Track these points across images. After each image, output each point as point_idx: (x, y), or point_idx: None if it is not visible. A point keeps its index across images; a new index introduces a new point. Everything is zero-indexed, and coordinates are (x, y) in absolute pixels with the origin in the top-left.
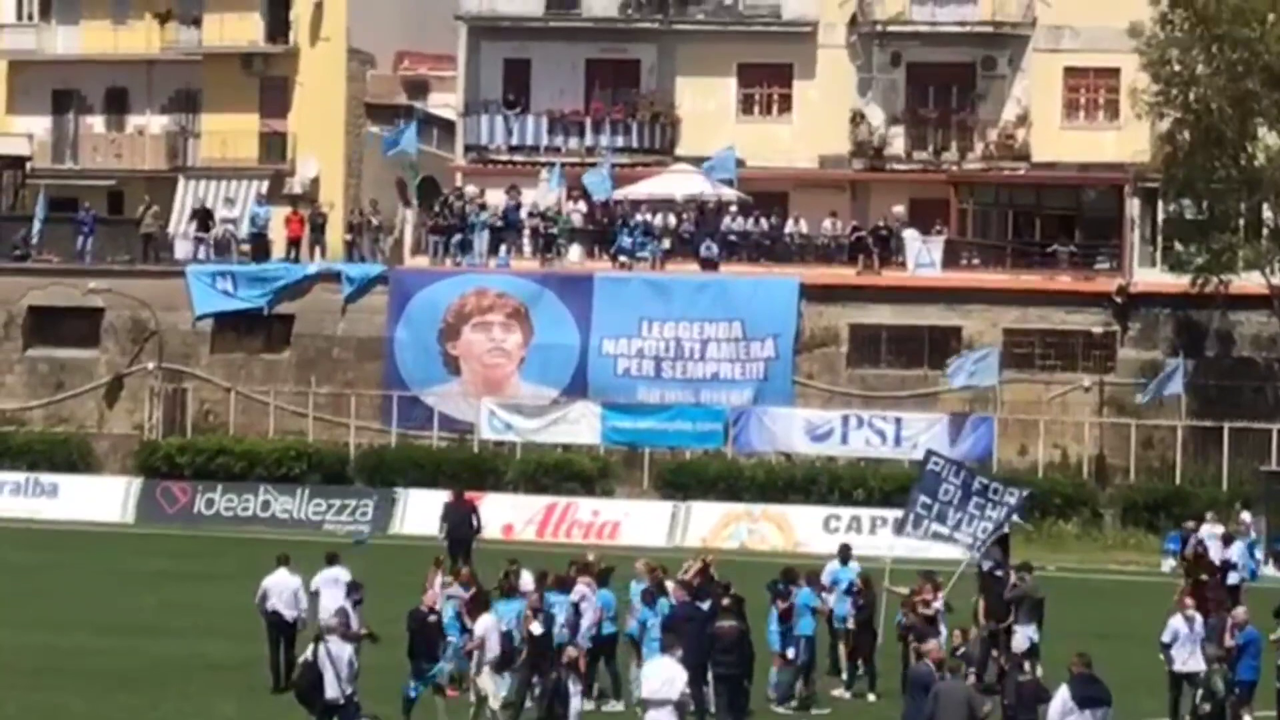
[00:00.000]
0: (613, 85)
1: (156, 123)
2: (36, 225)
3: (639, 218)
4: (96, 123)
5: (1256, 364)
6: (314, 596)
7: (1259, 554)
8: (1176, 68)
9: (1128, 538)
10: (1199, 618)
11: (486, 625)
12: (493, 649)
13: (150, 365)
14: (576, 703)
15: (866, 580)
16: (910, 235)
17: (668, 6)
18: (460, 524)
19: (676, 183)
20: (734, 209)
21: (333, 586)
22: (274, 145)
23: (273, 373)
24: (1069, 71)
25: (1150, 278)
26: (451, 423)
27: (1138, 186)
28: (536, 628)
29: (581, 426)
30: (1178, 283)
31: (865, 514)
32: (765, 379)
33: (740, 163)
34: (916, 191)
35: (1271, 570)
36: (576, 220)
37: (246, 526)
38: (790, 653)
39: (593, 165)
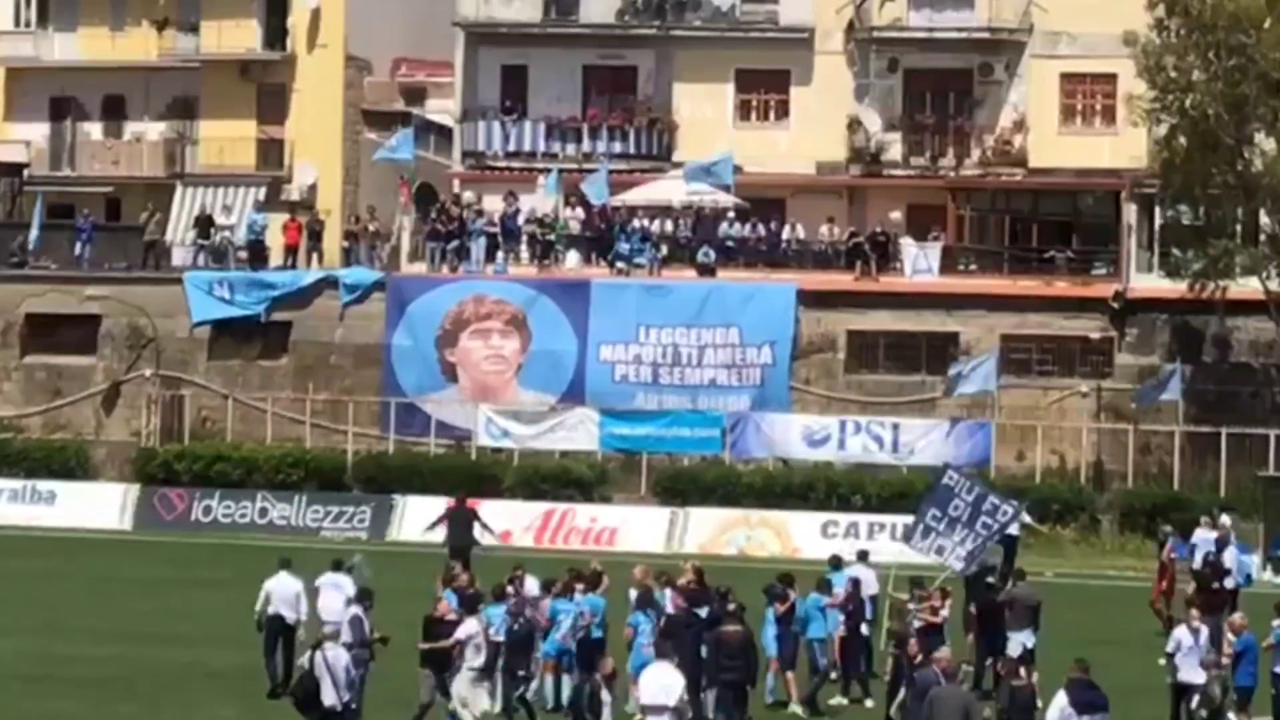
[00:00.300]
0: (610, 91)
1: (154, 130)
2: (34, 232)
3: (636, 224)
4: (94, 130)
5: (1254, 369)
6: (313, 594)
7: (1243, 557)
8: (1173, 74)
9: (1125, 543)
10: (1205, 629)
11: (469, 630)
12: (475, 655)
13: (148, 372)
14: (608, 715)
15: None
16: (908, 241)
17: (665, 13)
18: (462, 530)
19: (674, 189)
20: (731, 215)
21: (333, 590)
22: (271, 152)
23: (270, 380)
24: (1066, 77)
25: (1147, 283)
26: (449, 430)
27: (1135, 192)
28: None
29: (579, 433)
30: (1175, 288)
31: (863, 520)
32: (763, 385)
33: (738, 169)
34: (914, 197)
35: (1270, 575)
36: (574, 226)
37: (244, 533)
38: (823, 661)
39: (590, 171)
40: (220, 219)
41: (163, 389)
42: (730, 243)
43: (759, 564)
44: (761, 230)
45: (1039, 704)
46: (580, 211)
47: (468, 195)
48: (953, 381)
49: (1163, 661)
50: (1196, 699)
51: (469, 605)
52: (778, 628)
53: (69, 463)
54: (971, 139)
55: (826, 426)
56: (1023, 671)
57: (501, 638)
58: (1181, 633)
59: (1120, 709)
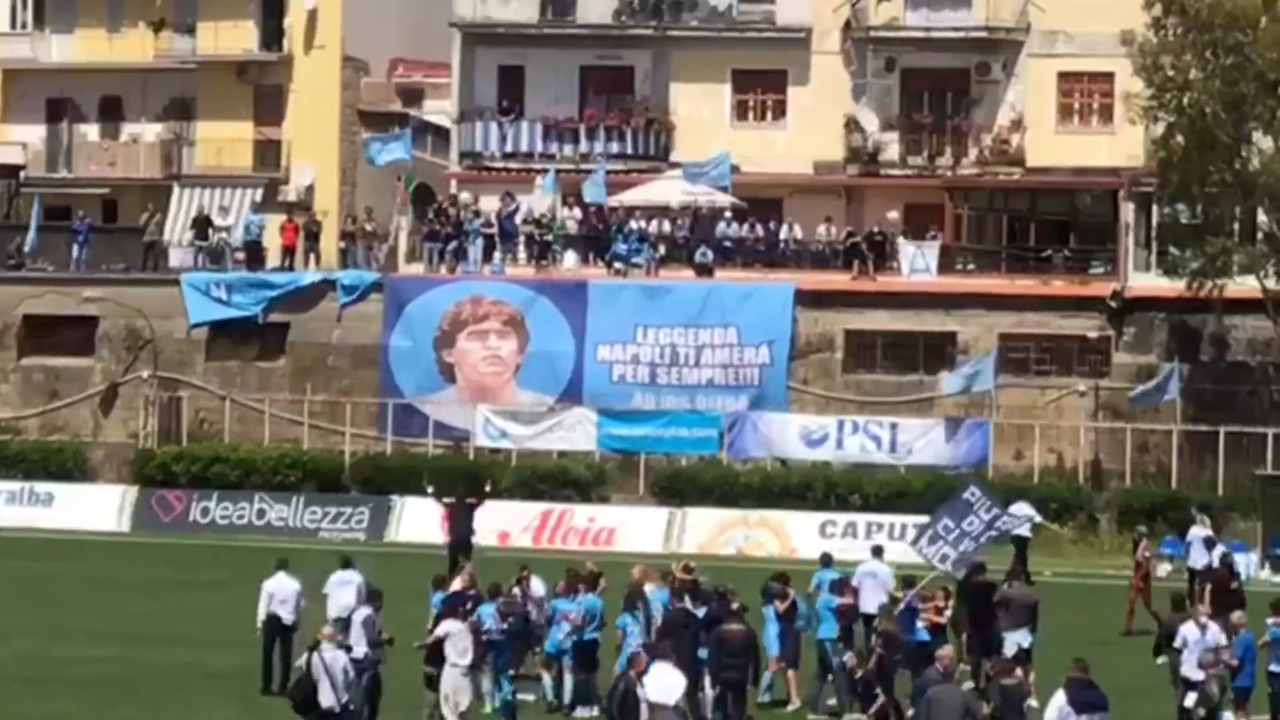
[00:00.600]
0: (607, 92)
1: (151, 131)
2: (31, 234)
3: (634, 224)
4: (91, 131)
5: (1251, 368)
6: (324, 598)
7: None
8: (1170, 72)
9: (1124, 542)
10: (1212, 626)
11: (448, 628)
12: (464, 652)
13: (145, 374)
14: (646, 713)
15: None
16: (905, 241)
17: (662, 13)
18: (464, 526)
19: (671, 189)
20: (729, 215)
21: (341, 589)
22: (268, 153)
23: (268, 381)
24: (1063, 76)
25: (1145, 282)
26: (447, 430)
27: (1132, 191)
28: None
29: (577, 433)
30: (1173, 287)
31: (861, 519)
32: (761, 385)
33: (735, 169)
34: (911, 197)
35: (1268, 574)
36: (571, 227)
37: (242, 535)
38: (850, 657)
39: (587, 172)
40: (217, 220)
41: (160, 390)
42: (728, 243)
43: (757, 564)
44: (759, 230)
45: (1035, 703)
46: (578, 212)
47: (465, 196)
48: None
49: (1160, 660)
50: (1194, 697)
51: (454, 606)
52: (779, 626)
53: (67, 464)
54: (969, 138)
55: (824, 426)
56: (1017, 671)
57: (494, 634)
58: (1188, 629)
59: (1120, 708)
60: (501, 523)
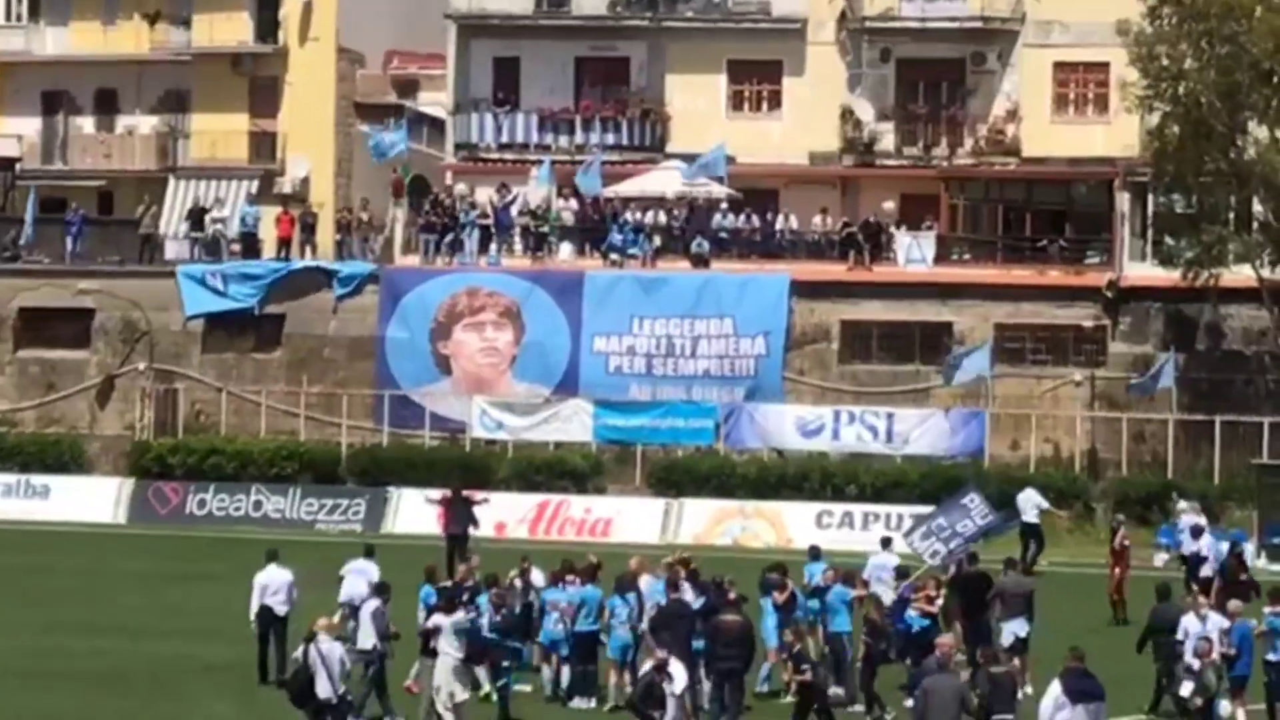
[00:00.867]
0: (603, 83)
1: (146, 123)
2: (27, 227)
3: (629, 215)
4: (86, 123)
5: (1247, 357)
6: (339, 582)
7: (1219, 545)
8: (1165, 62)
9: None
10: (1212, 616)
11: (437, 621)
12: (454, 646)
13: (141, 366)
14: (673, 707)
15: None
16: (901, 231)
17: (657, 4)
18: (461, 519)
19: (667, 180)
20: (724, 206)
21: (356, 576)
22: (264, 145)
23: (264, 373)
24: (1058, 66)
25: (1140, 272)
26: (443, 422)
27: (1128, 181)
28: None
29: (573, 424)
30: (1168, 276)
31: (857, 510)
32: (757, 376)
33: (730, 160)
34: (907, 187)
35: (1264, 563)
36: (567, 218)
37: (238, 527)
38: (788, 632)
39: (583, 163)
40: (213, 212)
41: (156, 382)
42: (723, 234)
43: (753, 554)
44: (755, 221)
45: (1030, 691)
46: (573, 203)
47: (460, 187)
48: (947, 373)
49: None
50: (1191, 686)
51: (452, 598)
52: (777, 617)
53: (63, 457)
54: (964, 128)
55: (820, 417)
56: (1012, 660)
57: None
58: (1189, 620)
59: (1115, 698)
60: (498, 514)
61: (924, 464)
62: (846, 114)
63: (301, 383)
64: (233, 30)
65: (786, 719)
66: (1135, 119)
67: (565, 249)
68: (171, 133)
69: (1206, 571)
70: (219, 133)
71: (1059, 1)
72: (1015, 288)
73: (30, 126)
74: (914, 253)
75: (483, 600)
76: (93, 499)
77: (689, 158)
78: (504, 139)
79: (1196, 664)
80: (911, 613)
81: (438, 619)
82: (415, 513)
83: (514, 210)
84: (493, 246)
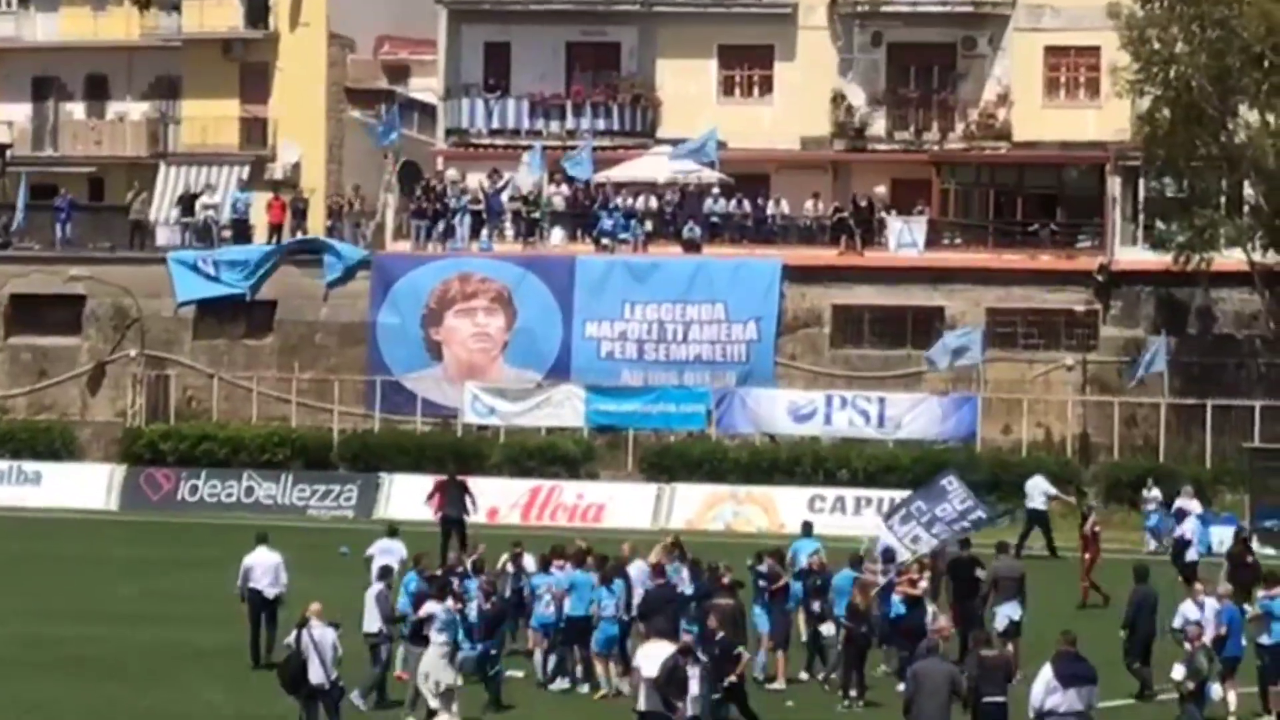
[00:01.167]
0: (593, 68)
1: (137, 109)
2: (18, 213)
3: (621, 200)
4: (77, 110)
5: (1238, 341)
6: (367, 563)
7: (1203, 529)
8: (1156, 46)
9: (1111, 515)
10: (1209, 602)
11: (430, 609)
12: (441, 633)
13: (132, 352)
14: (695, 687)
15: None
16: (892, 216)
17: None
18: (455, 504)
19: (658, 165)
20: (716, 191)
21: (385, 555)
22: (255, 131)
23: (255, 359)
24: (1049, 50)
25: (1132, 256)
26: (435, 408)
27: (1119, 165)
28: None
29: (565, 410)
30: (1160, 260)
31: (849, 494)
32: (748, 360)
33: (722, 144)
34: (898, 172)
35: (1256, 547)
36: (558, 203)
37: (230, 513)
38: (869, 628)
39: (574, 148)
40: (204, 198)
41: (148, 369)
42: (715, 219)
43: (746, 539)
44: (746, 206)
45: (1019, 675)
46: (565, 188)
47: (451, 173)
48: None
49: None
50: (1182, 670)
51: (444, 584)
52: (769, 607)
53: (54, 443)
54: (955, 113)
55: (812, 401)
56: (1003, 644)
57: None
58: (1188, 608)
59: (1108, 681)
60: (490, 499)
61: (916, 448)
62: (838, 98)
63: (293, 369)
64: (223, 16)
65: (779, 705)
66: (1126, 103)
67: (557, 234)
68: (162, 119)
69: (1191, 556)
70: (210, 119)
71: None
72: (1006, 272)
73: (20, 113)
74: (905, 237)
75: (472, 586)
76: (84, 486)
77: (680, 143)
78: (495, 124)
79: (1188, 647)
80: (895, 597)
81: (431, 606)
82: (407, 498)
83: (505, 196)
84: (484, 232)
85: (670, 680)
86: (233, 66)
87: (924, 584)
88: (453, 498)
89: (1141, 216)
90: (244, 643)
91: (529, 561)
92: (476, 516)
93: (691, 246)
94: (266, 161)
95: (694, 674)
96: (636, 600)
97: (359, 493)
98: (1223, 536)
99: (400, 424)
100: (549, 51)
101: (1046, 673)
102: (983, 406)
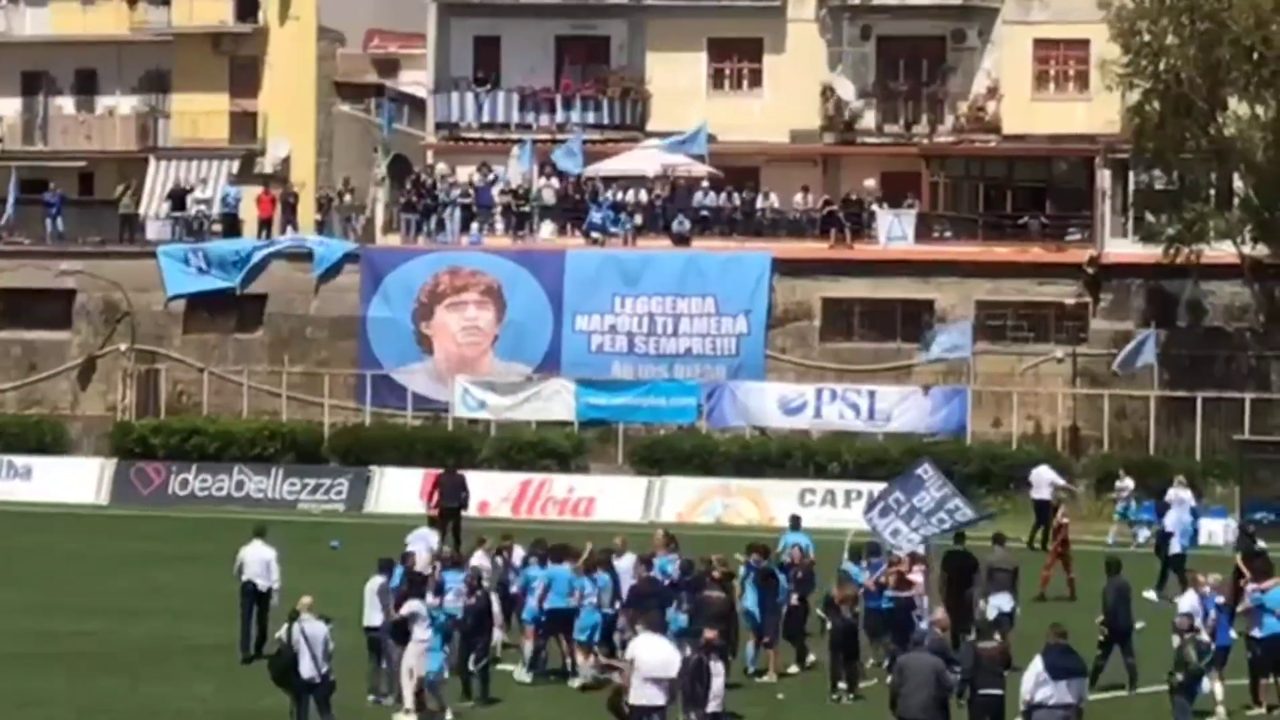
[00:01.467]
0: (583, 61)
1: (126, 104)
2: (8, 207)
3: (610, 194)
4: (66, 104)
5: (1228, 334)
6: (407, 554)
7: (1186, 521)
8: (1146, 38)
9: (1102, 508)
10: (1211, 594)
11: (413, 607)
12: (424, 629)
13: (123, 347)
14: (719, 683)
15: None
16: (882, 209)
17: None
18: (451, 496)
19: (648, 158)
20: (705, 184)
21: (421, 543)
22: (245, 125)
23: (246, 353)
24: (1039, 43)
25: (1122, 248)
26: (426, 401)
27: (1108, 158)
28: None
29: (555, 403)
30: (1149, 253)
31: (840, 487)
32: (739, 354)
33: (711, 138)
34: (888, 165)
35: None
36: (548, 197)
37: (221, 507)
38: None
39: (564, 142)
40: (195, 193)
41: (138, 363)
42: (705, 212)
43: (736, 532)
44: (736, 199)
45: (1014, 667)
46: (555, 182)
47: (441, 167)
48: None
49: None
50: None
51: (414, 585)
52: (760, 602)
53: (45, 438)
54: (945, 106)
55: (803, 394)
56: (996, 635)
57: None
58: (1190, 599)
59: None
60: (481, 493)
61: (906, 441)
62: (827, 92)
63: (283, 363)
64: (213, 10)
65: (770, 697)
66: (1116, 96)
67: (547, 228)
68: (152, 113)
69: (1175, 548)
70: (199, 113)
71: None
72: (996, 265)
73: (10, 107)
74: (895, 230)
75: (451, 578)
76: (75, 480)
77: (670, 136)
78: (485, 118)
79: (1176, 640)
80: (885, 590)
81: (412, 604)
82: (397, 492)
83: (495, 190)
84: (474, 226)
85: (696, 676)
86: (222, 61)
87: (917, 577)
88: (449, 490)
89: (1131, 209)
90: (234, 636)
91: (518, 554)
92: (468, 510)
93: (681, 240)
94: (256, 155)
95: (717, 670)
96: (624, 593)
97: (349, 487)
98: (1212, 529)
99: (391, 418)
100: (538, 45)
101: (1037, 665)
102: (973, 399)
